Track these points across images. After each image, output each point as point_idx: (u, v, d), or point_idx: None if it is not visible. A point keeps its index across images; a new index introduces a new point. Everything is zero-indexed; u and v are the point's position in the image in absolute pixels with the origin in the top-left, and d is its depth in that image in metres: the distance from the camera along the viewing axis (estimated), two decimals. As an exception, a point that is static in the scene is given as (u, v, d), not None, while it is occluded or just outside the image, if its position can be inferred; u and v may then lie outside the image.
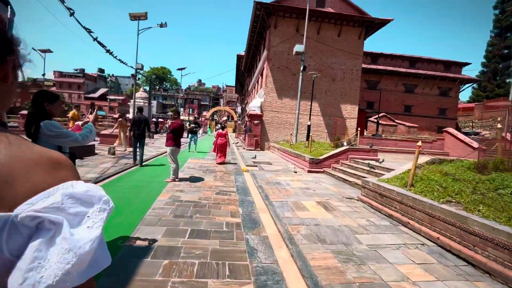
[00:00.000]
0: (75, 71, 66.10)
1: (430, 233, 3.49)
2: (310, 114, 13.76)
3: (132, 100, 24.65)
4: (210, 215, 3.97)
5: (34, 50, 31.38)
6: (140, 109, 8.05)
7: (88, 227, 0.42)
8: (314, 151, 9.93)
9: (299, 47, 12.74)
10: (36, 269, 0.36)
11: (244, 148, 16.40)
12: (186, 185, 5.78)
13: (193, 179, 6.41)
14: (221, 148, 9.34)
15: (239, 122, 51.67)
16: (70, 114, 11.71)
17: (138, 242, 2.92)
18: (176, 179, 6.09)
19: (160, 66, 72.51)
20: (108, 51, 13.39)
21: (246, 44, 21.05)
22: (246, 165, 9.60)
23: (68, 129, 2.30)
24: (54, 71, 65.71)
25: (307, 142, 11.63)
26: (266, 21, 15.78)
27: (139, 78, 59.33)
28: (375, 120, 25.79)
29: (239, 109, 55.49)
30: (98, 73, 71.05)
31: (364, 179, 5.52)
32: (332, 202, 5.09)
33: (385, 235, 3.55)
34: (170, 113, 5.35)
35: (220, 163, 9.20)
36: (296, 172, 8.46)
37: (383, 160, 7.94)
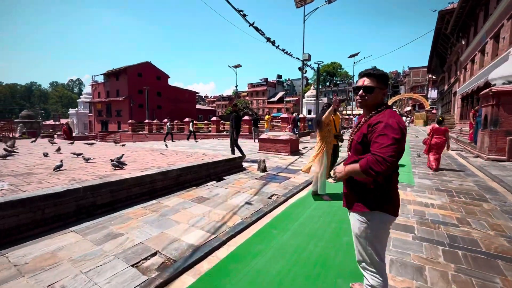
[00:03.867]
0: (261, 81, 78.25)
1: None
2: None
3: (303, 100, 22.94)
4: None
5: (229, 67, 38.18)
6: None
7: None
8: None
9: None
10: None
11: (481, 157, 8.99)
12: None
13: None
14: (436, 150, 6.88)
15: (435, 111, 39.02)
16: (266, 118, 15.37)
17: None
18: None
19: (330, 62, 70.07)
20: (268, 39, 11.34)
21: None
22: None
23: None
24: (248, 84, 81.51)
25: None
26: None
27: (307, 77, 59.62)
28: None
29: (433, 94, 41.95)
30: (277, 79, 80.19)
31: None
32: None
33: None
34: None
35: (435, 170, 6.81)
36: None
37: None
